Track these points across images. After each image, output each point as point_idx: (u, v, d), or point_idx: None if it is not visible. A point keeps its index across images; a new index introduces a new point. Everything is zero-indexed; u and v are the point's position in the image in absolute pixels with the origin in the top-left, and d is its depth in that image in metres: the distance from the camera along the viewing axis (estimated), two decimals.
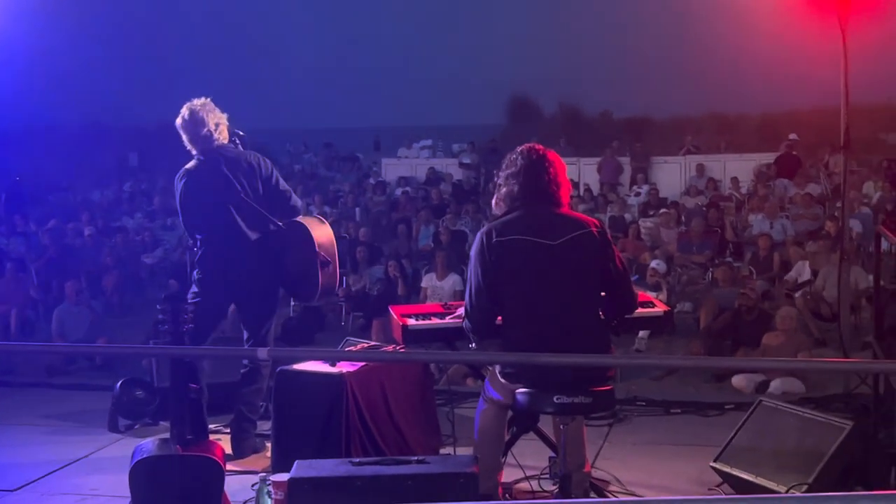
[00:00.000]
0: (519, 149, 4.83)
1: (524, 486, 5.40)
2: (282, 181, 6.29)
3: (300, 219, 6.19)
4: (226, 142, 6.17)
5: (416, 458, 4.42)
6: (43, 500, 5.55)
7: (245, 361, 6.29)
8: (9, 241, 14.86)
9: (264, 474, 5.20)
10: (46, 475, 5.92)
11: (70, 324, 10.38)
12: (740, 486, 5.23)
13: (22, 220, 16.54)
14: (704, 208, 15.41)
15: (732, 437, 5.43)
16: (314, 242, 6.00)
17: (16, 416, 7.32)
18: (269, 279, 6.18)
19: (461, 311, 5.19)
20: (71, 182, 21.97)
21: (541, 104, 31.55)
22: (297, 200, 6.35)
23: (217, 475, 4.48)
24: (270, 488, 4.98)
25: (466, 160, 22.74)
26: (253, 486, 5.30)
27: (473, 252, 4.69)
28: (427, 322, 5.47)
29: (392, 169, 23.17)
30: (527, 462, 5.44)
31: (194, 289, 6.14)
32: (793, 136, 19.27)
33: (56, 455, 6.26)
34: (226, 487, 4.60)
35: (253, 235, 6.06)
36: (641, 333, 9.61)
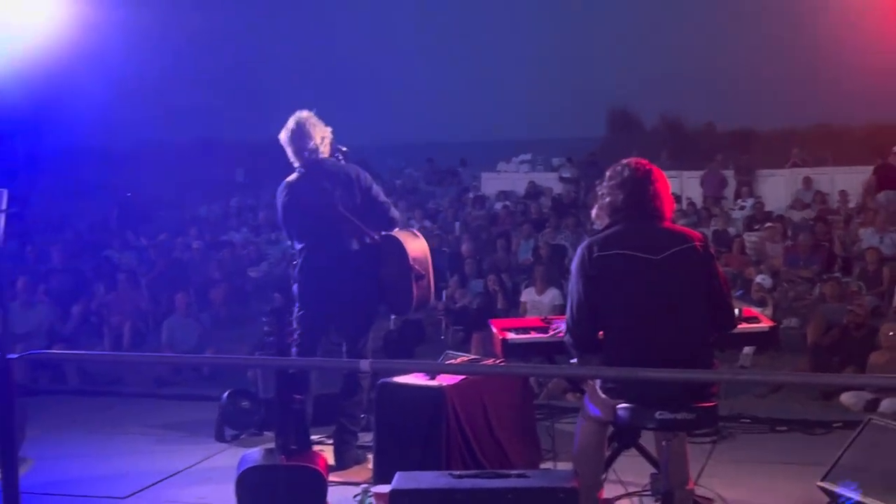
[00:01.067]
0: (624, 161, 4.80)
1: (625, 502, 5.36)
2: (381, 194, 6.36)
3: (394, 232, 6.26)
4: (328, 156, 6.28)
5: (516, 472, 4.42)
6: None
7: (345, 373, 6.38)
8: (121, 255, 15.32)
9: (366, 485, 5.28)
10: (155, 483, 6.09)
11: (179, 335, 10.66)
12: None
13: (133, 234, 17.05)
14: (812, 222, 15.07)
15: (840, 457, 5.30)
16: (408, 256, 6.06)
17: (126, 425, 7.54)
18: (367, 291, 6.25)
19: (563, 325, 5.19)
20: (180, 198, 22.54)
21: (642, 116, 31.23)
22: (395, 213, 6.42)
23: (320, 485, 4.56)
24: (372, 499, 5.05)
25: (566, 174, 22.66)
26: (355, 496, 5.38)
27: (574, 267, 4.68)
28: (527, 336, 5.48)
29: (491, 183, 23.21)
30: (628, 478, 5.40)
31: (297, 300, 6.26)
32: None
33: (165, 464, 6.44)
34: (328, 498, 4.68)
35: (350, 247, 6.15)
36: (746, 349, 9.43)
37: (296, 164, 6.24)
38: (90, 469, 6.43)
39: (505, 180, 23.30)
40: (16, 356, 3.91)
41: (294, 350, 5.95)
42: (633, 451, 5.24)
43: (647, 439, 5.15)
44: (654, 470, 5.17)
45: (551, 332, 5.37)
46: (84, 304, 11.79)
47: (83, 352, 10.13)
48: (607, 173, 4.82)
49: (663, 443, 4.64)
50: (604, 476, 4.98)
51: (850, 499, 4.98)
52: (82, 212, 20.08)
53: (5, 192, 6.23)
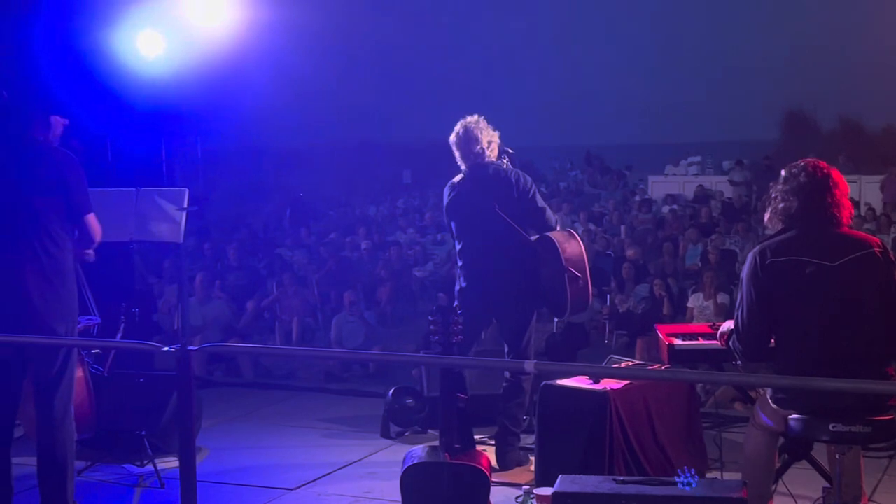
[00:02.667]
0: (802, 163, 4.64)
1: None
2: (539, 198, 6.37)
3: (550, 233, 6.25)
4: (495, 159, 6.34)
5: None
6: (319, 500, 5.84)
7: (506, 375, 6.41)
8: (293, 252, 15.80)
9: (528, 487, 5.28)
10: (323, 476, 6.24)
11: (347, 332, 10.92)
12: None
13: (305, 233, 17.56)
14: None
15: None
16: (561, 256, 6.04)
17: (296, 418, 7.75)
18: (525, 292, 6.27)
19: (724, 326, 5.07)
20: (349, 198, 23.10)
21: (818, 118, 30.22)
22: (552, 217, 6.42)
23: (483, 485, 4.58)
24: (534, 501, 5.05)
25: (737, 177, 22.12)
26: (517, 498, 5.39)
27: (745, 273, 4.57)
28: (694, 342, 5.37)
29: (659, 186, 22.89)
30: (798, 491, 5.22)
31: (458, 300, 6.33)
32: None
33: (332, 457, 6.59)
34: (490, 498, 4.70)
35: (508, 249, 6.18)
36: None
37: (462, 167, 6.34)
38: (261, 459, 6.63)
39: (673, 183, 22.94)
40: (195, 348, 4.07)
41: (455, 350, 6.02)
42: (805, 463, 5.07)
43: (820, 451, 4.98)
44: (826, 484, 4.99)
45: (700, 341, 5.26)
46: (258, 300, 12.20)
47: (256, 345, 10.48)
48: (782, 175, 4.67)
49: (837, 456, 4.48)
50: (773, 488, 4.84)
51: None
52: (257, 211, 20.83)
53: (186, 192, 6.52)
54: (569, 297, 6.06)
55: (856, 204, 16.85)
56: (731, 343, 4.68)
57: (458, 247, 6.38)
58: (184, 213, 6.28)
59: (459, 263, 6.37)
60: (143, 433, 6.26)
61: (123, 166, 7.86)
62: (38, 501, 5.19)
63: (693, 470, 4.14)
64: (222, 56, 9.07)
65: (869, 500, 4.98)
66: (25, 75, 5.86)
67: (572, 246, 6.18)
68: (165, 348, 4.01)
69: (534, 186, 6.37)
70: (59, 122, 5.26)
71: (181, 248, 6.55)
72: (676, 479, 4.14)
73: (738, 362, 4.72)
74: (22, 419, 5.44)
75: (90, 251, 5.34)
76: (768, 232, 4.77)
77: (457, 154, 6.33)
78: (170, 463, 6.15)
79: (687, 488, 4.08)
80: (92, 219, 5.22)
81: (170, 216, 6.28)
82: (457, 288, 6.39)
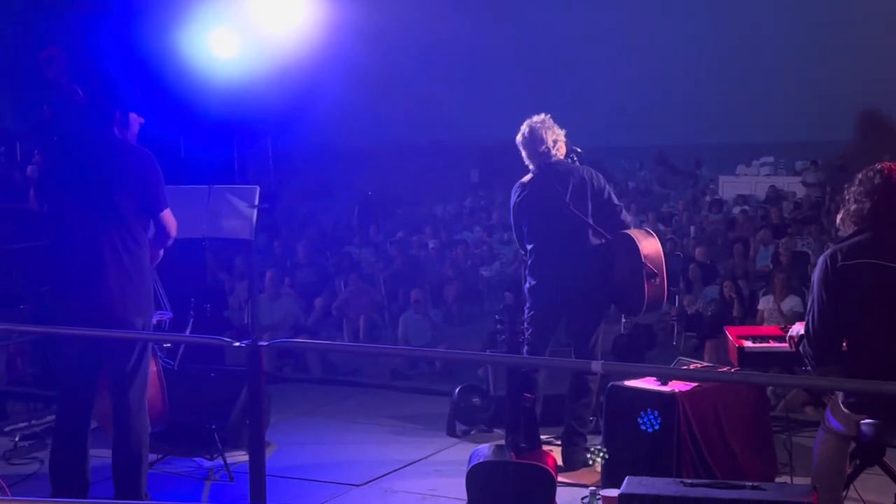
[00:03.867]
0: (878, 166, 4.56)
1: None
2: (613, 196, 6.35)
3: (627, 231, 6.22)
4: (563, 157, 6.33)
5: (750, 483, 4.30)
6: (386, 497, 5.89)
7: (573, 374, 6.39)
8: (360, 251, 15.90)
9: (594, 488, 5.26)
10: (389, 473, 6.28)
11: (414, 330, 10.97)
12: None
13: (373, 231, 17.66)
14: None
15: None
16: (640, 253, 6.01)
17: (362, 415, 7.81)
18: (597, 291, 6.25)
19: (793, 330, 5.00)
20: (416, 197, 23.17)
21: (895, 118, 29.54)
22: (627, 216, 6.39)
23: (549, 484, 4.58)
24: (600, 502, 5.03)
25: (811, 178, 21.77)
26: (583, 499, 5.38)
27: (816, 276, 4.50)
28: (765, 345, 5.31)
29: (729, 186, 22.61)
30: (870, 497, 5.14)
31: (528, 300, 6.33)
32: None
33: (398, 454, 6.63)
34: (556, 498, 4.69)
35: (581, 247, 6.16)
36: None
37: (530, 167, 6.33)
38: (328, 455, 6.70)
39: (744, 184, 22.66)
40: (265, 344, 4.13)
41: (525, 349, 6.02)
42: (877, 468, 4.98)
43: (893, 457, 4.88)
44: None
45: (770, 343, 5.19)
46: (326, 297, 12.30)
47: (325, 342, 10.57)
48: (857, 178, 4.60)
49: None
50: (844, 493, 4.76)
51: None
52: (326, 209, 21.00)
53: (257, 189, 6.61)
54: (646, 295, 6.03)
55: None
56: (801, 348, 4.62)
57: (528, 247, 6.36)
58: (255, 211, 6.36)
59: (529, 262, 6.35)
60: (214, 427, 6.35)
61: (196, 167, 7.98)
62: (112, 493, 5.30)
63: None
64: (294, 56, 9.15)
65: None
66: (100, 75, 5.99)
67: (651, 243, 6.16)
68: (237, 344, 4.07)
69: (608, 185, 6.34)
70: (136, 120, 5.38)
71: (252, 245, 6.64)
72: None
73: (809, 368, 4.65)
74: (96, 412, 5.57)
75: (160, 251, 5.45)
76: (841, 234, 4.70)
77: (524, 154, 6.33)
78: (239, 457, 6.24)
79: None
80: (168, 215, 5.33)
81: (241, 213, 6.37)
82: (526, 287, 6.39)
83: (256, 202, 6.41)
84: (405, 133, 27.93)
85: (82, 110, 5.35)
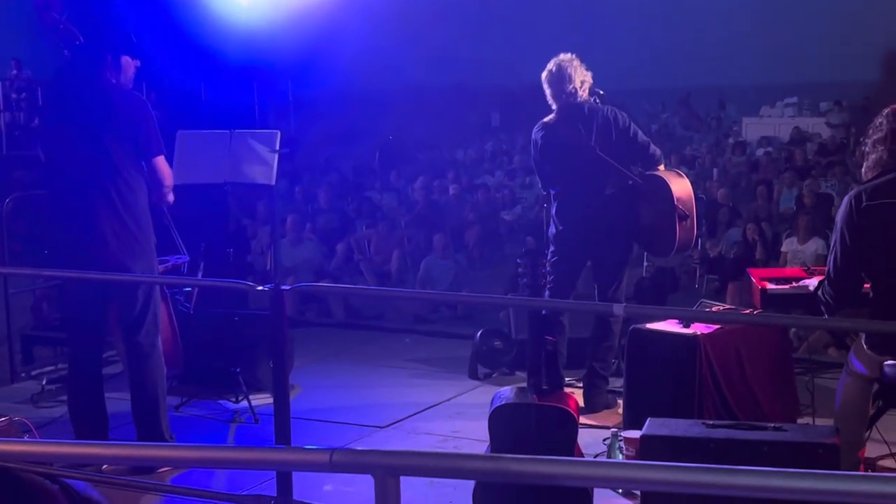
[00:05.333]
0: (885, 112, 4.51)
1: (888, 462, 5.11)
2: (640, 133, 6.28)
3: (658, 172, 6.17)
4: (587, 99, 6.26)
5: (772, 425, 4.31)
6: (409, 438, 5.94)
7: (596, 317, 6.39)
8: (382, 196, 15.91)
9: (616, 430, 5.29)
10: (412, 415, 6.33)
11: (436, 274, 10.99)
12: None
13: (395, 176, 17.64)
14: None
15: None
16: (672, 195, 5.97)
17: (385, 359, 7.85)
18: (623, 234, 6.22)
19: (809, 281, 4.99)
20: (437, 141, 23.08)
21: None
22: (656, 150, 6.32)
23: (571, 426, 4.60)
24: (622, 443, 5.06)
25: (835, 119, 21.55)
26: (604, 440, 5.41)
27: (840, 216, 4.47)
28: (787, 287, 5.30)
29: (752, 128, 22.43)
30: (893, 438, 5.13)
31: (552, 244, 6.30)
32: None
33: (421, 398, 6.67)
34: (578, 439, 4.72)
35: (608, 189, 6.12)
36: None
37: (553, 106, 6.25)
38: (352, 398, 6.75)
39: (767, 125, 22.46)
40: (287, 288, 4.15)
41: (547, 293, 6.02)
42: None
43: None
44: None
45: (793, 286, 5.17)
46: (347, 242, 12.34)
47: (347, 286, 10.61)
48: (869, 128, 4.56)
49: None
50: (867, 435, 4.77)
51: None
52: (347, 154, 20.96)
53: (278, 134, 6.59)
54: (677, 238, 6.00)
55: None
56: (820, 291, 4.60)
57: (552, 191, 6.31)
58: (276, 156, 6.35)
59: (554, 206, 6.30)
60: (238, 370, 6.41)
61: (217, 112, 7.97)
62: (134, 435, 5.38)
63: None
64: (313, 1, 9.07)
65: None
66: (97, 19, 5.95)
67: (682, 184, 6.11)
68: (260, 287, 4.09)
69: (632, 122, 6.27)
70: (130, 64, 5.33)
71: (273, 191, 6.64)
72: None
73: (826, 315, 4.63)
74: (120, 355, 5.63)
75: (170, 194, 5.43)
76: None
77: (548, 92, 6.24)
78: (264, 399, 6.30)
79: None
80: (161, 161, 5.30)
81: (263, 158, 6.36)
82: (552, 231, 6.34)
83: (277, 147, 6.39)
84: (425, 77, 27.75)
85: (79, 57, 5.33)
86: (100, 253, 5.12)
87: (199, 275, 6.65)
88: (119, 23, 6.01)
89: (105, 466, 4.44)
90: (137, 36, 5.53)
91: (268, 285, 4.03)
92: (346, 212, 14.53)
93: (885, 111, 4.52)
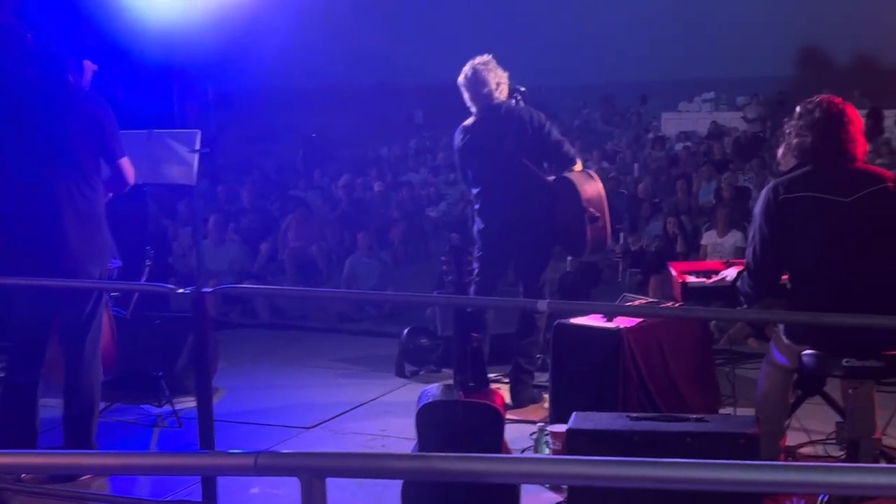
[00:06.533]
0: (817, 98, 4.59)
1: (808, 450, 5.22)
2: (555, 131, 6.36)
3: (568, 174, 6.24)
4: (505, 99, 6.30)
5: (694, 416, 4.38)
6: (336, 438, 5.91)
7: (521, 313, 6.43)
8: (306, 194, 15.79)
9: (542, 424, 5.33)
10: (339, 415, 6.31)
11: (361, 273, 10.94)
12: None
13: (318, 174, 17.54)
14: None
15: None
16: (581, 197, 6.03)
17: (311, 359, 7.81)
18: (543, 232, 6.28)
19: (728, 272, 5.08)
20: (361, 139, 23.01)
21: (833, 53, 29.82)
22: (570, 149, 6.39)
23: (497, 422, 4.62)
24: (548, 438, 5.10)
25: (751, 113, 21.95)
26: (531, 435, 5.44)
27: (759, 209, 4.55)
28: (707, 280, 5.38)
29: (672, 123, 22.72)
30: (812, 426, 5.25)
31: (477, 241, 6.35)
32: None
33: (348, 397, 6.65)
34: (505, 434, 4.74)
35: (526, 189, 6.17)
36: None
37: (472, 109, 6.30)
38: (278, 399, 6.70)
39: (686, 120, 22.78)
40: (209, 290, 4.10)
41: (472, 289, 6.05)
42: (818, 398, 5.09)
43: (833, 387, 4.99)
44: (839, 418, 5.01)
45: (713, 278, 5.27)
46: (271, 242, 12.23)
47: (271, 287, 10.52)
48: (797, 111, 4.63)
49: (850, 391, 4.49)
50: (787, 423, 4.87)
51: None
52: (269, 152, 20.79)
53: (198, 133, 6.50)
54: (588, 238, 6.07)
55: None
56: (739, 283, 4.67)
57: (474, 191, 6.36)
58: (196, 155, 6.26)
59: (476, 206, 6.36)
60: (161, 374, 6.32)
61: (134, 113, 7.84)
62: (61, 441, 5.27)
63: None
64: None
65: (882, 434, 5.00)
66: (56, 19, 5.86)
67: (592, 186, 6.18)
68: (181, 290, 4.04)
69: (548, 121, 6.33)
70: (89, 67, 5.29)
71: (194, 191, 6.55)
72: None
73: (745, 306, 4.71)
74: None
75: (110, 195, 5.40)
76: (781, 168, 4.74)
77: (466, 96, 6.29)
78: (187, 403, 6.22)
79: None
80: (126, 162, 5.27)
81: (182, 158, 6.27)
82: (476, 229, 6.40)
83: (197, 147, 6.30)
84: (348, 75, 27.65)
85: (31, 56, 5.22)
86: (62, 255, 5.04)
87: (143, 279, 6.54)
88: (83, 25, 5.90)
89: (24, 476, 4.34)
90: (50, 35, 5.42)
91: (189, 288, 3.97)
92: (270, 211, 14.40)
93: (818, 98, 4.58)
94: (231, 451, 2.34)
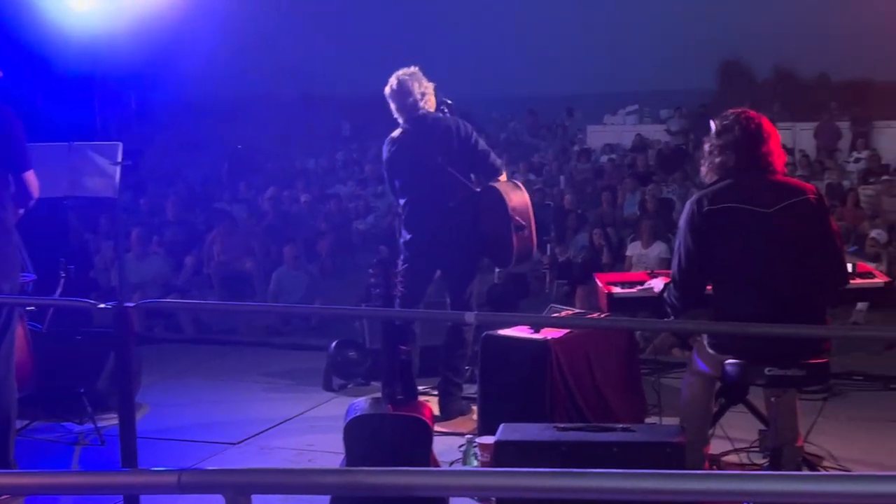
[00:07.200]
0: (732, 114, 4.67)
1: (732, 458, 5.30)
2: (481, 142, 6.37)
3: (495, 183, 6.26)
4: (432, 110, 6.30)
5: (621, 426, 4.41)
6: (263, 454, 5.84)
7: (449, 326, 6.43)
8: (231, 207, 15.64)
9: (471, 436, 5.33)
10: (266, 430, 6.23)
11: (288, 286, 10.86)
12: None
13: (244, 187, 17.38)
14: None
15: None
16: (507, 206, 6.06)
17: (237, 373, 7.71)
18: (469, 243, 6.28)
19: (654, 283, 5.15)
20: (287, 151, 22.86)
21: (753, 67, 30.41)
22: (496, 159, 6.41)
23: (426, 435, 4.60)
24: (476, 450, 5.10)
25: (675, 126, 22.28)
26: (460, 447, 5.43)
27: (683, 220, 4.61)
28: (632, 290, 5.43)
29: (597, 136, 22.96)
30: (735, 434, 5.33)
31: (403, 252, 6.33)
32: None
33: (275, 412, 6.58)
34: (434, 447, 4.72)
35: (452, 200, 6.17)
36: (860, 305, 9.19)
37: (400, 120, 6.30)
38: (203, 415, 6.60)
39: (611, 133, 23.03)
40: (132, 304, 4.02)
41: (397, 301, 6.04)
42: (742, 406, 5.17)
43: (756, 395, 5.08)
44: (762, 426, 5.09)
45: (638, 289, 5.32)
46: (196, 255, 12.08)
47: (195, 301, 10.39)
48: (714, 128, 4.69)
49: (772, 399, 4.57)
50: (711, 432, 4.93)
51: None
52: (194, 164, 20.55)
53: (120, 146, 6.41)
54: (514, 248, 6.08)
55: (790, 151, 17.09)
56: (665, 294, 4.73)
57: (401, 202, 6.35)
58: (118, 168, 6.17)
59: (403, 217, 6.35)
60: (82, 391, 6.19)
61: (55, 124, 7.69)
62: None
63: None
64: (156, 7, 8.86)
65: (804, 441, 5.09)
66: None
67: (518, 195, 6.19)
68: (102, 305, 3.96)
69: (474, 132, 6.34)
70: None
71: (117, 204, 6.45)
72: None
73: (671, 317, 4.77)
74: None
75: (21, 209, 5.27)
76: (705, 181, 4.81)
77: (392, 107, 6.29)
78: (110, 420, 6.09)
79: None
80: (31, 175, 5.14)
81: (104, 171, 6.17)
82: (401, 241, 6.39)
83: (119, 159, 6.21)
84: (274, 86, 27.46)
85: None
86: None
87: (58, 293, 6.40)
88: None
89: None
90: None
91: (111, 302, 3.90)
92: (195, 224, 14.23)
93: (730, 115, 4.66)
94: (154, 468, 2.29)
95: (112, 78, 9.17)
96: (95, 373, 6.41)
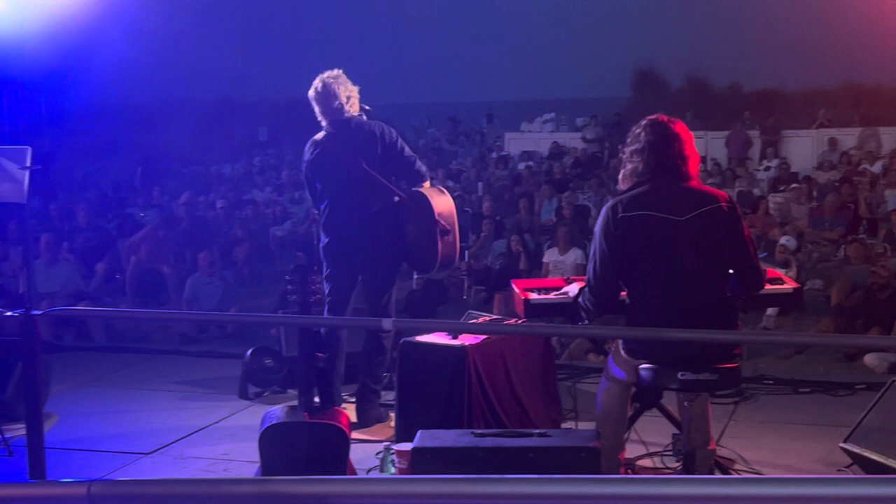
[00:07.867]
0: (642, 122, 4.72)
1: (647, 462, 5.36)
2: (407, 148, 6.34)
3: (420, 188, 6.25)
4: (356, 114, 6.26)
5: (537, 431, 4.43)
6: (176, 464, 5.75)
7: (367, 332, 6.40)
8: (145, 212, 15.38)
9: (388, 443, 5.31)
10: (180, 440, 6.13)
11: (202, 293, 10.71)
12: (871, 468, 5.08)
13: (158, 192, 17.11)
14: (837, 183, 14.96)
15: (864, 418, 5.27)
16: (433, 211, 6.05)
17: (151, 382, 7.58)
18: (389, 250, 6.26)
19: (570, 288, 5.19)
20: (203, 156, 22.58)
21: (667, 76, 31.00)
22: (422, 166, 6.39)
23: (343, 443, 4.57)
24: (394, 457, 5.08)
25: (590, 134, 22.55)
26: (377, 454, 5.41)
27: (598, 227, 4.65)
28: (549, 296, 5.47)
29: (515, 143, 23.14)
30: (650, 438, 5.40)
31: (323, 259, 6.28)
32: None
33: (189, 421, 6.48)
34: (351, 455, 4.69)
35: (373, 206, 6.14)
36: (770, 311, 9.41)
37: (323, 123, 6.24)
38: (115, 425, 6.47)
39: (528, 140, 23.23)
40: (40, 312, 3.93)
41: (326, 309, 5.99)
42: (656, 411, 5.24)
43: (670, 399, 5.15)
44: (675, 430, 5.17)
45: (554, 295, 5.37)
46: (108, 262, 11.85)
47: (107, 308, 10.19)
48: (628, 138, 4.75)
49: (685, 403, 4.64)
50: (626, 436, 4.99)
51: None
52: (106, 170, 20.18)
53: (29, 150, 6.24)
54: (439, 253, 6.07)
55: (703, 159, 17.40)
56: (580, 299, 4.77)
57: (321, 206, 6.29)
58: (27, 173, 6.01)
59: (322, 220, 6.28)
60: None
61: None
62: None
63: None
64: (67, 10, 8.68)
65: (716, 444, 5.18)
66: None
67: (443, 200, 6.19)
68: (8, 313, 3.86)
69: (399, 137, 6.32)
70: None
71: (25, 209, 6.29)
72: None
73: (586, 321, 4.81)
74: None
75: None
76: (620, 188, 4.86)
77: (316, 109, 6.22)
78: (17, 430, 5.93)
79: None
80: None
81: (12, 175, 6.00)
82: (320, 245, 6.32)
83: (28, 163, 6.05)
84: (190, 90, 27.14)
85: None
86: None
87: None
88: None
89: None
90: None
91: (17, 310, 3.80)
92: (107, 230, 13.95)
93: (643, 122, 4.72)
94: (63, 479, 2.24)
95: (21, 81, 8.96)
96: (2, 382, 6.25)
